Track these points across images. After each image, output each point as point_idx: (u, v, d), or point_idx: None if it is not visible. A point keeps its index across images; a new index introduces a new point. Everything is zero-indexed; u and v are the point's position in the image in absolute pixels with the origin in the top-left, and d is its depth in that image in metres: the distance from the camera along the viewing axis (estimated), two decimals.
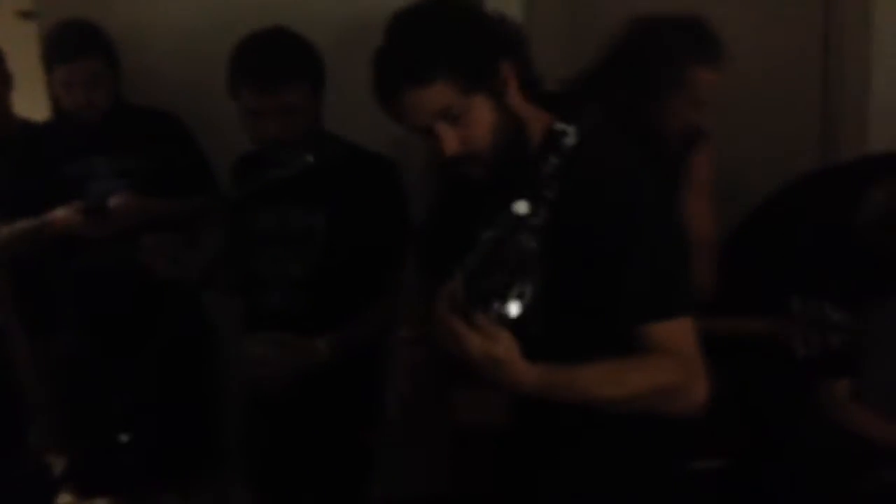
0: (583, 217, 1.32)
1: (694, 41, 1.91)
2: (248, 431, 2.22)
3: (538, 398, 1.29)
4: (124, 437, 1.69)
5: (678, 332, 1.34)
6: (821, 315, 1.90)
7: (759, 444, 2.10)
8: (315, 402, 2.01)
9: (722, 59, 1.92)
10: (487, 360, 1.20)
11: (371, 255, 2.00)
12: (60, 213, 2.28)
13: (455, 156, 1.36)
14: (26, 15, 2.78)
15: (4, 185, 2.47)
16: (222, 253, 2.17)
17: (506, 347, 1.19)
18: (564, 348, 1.27)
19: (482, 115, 1.35)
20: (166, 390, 2.36)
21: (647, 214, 1.35)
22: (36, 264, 2.39)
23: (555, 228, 1.20)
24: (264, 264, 2.05)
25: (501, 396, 1.42)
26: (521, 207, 1.16)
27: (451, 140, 1.35)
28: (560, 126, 1.39)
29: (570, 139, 1.37)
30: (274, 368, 1.93)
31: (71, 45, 2.30)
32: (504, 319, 1.16)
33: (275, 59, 1.89)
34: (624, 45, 1.98)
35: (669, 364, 1.32)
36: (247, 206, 2.06)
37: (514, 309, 1.14)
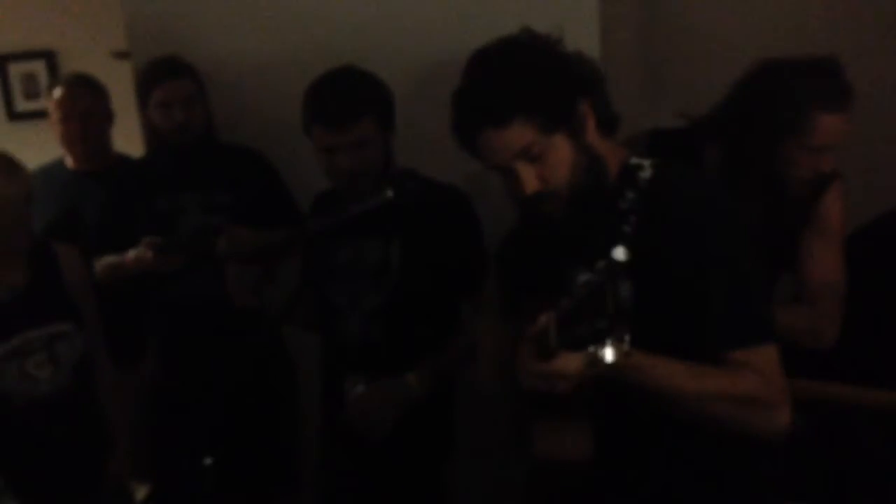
0: (662, 249, 1.32)
1: (818, 85, 1.81)
2: (324, 459, 2.24)
3: (621, 432, 1.27)
4: (208, 461, 1.74)
5: (763, 359, 1.33)
6: None
7: (851, 486, 2.03)
8: (392, 434, 2.01)
9: (849, 103, 1.82)
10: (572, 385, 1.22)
11: (446, 286, 2.02)
12: (132, 254, 2.35)
13: (534, 194, 1.37)
14: (122, 55, 2.90)
15: (99, 218, 2.58)
16: (299, 289, 2.22)
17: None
18: None
19: (562, 154, 1.36)
20: (247, 415, 2.44)
21: (725, 242, 1.35)
22: (123, 294, 2.46)
23: (635, 262, 1.20)
24: (340, 296, 2.08)
25: (584, 430, 1.43)
26: (620, 254, 1.15)
27: (530, 179, 1.35)
28: (635, 161, 1.40)
29: (646, 173, 1.38)
30: (374, 414, 1.96)
31: (165, 68, 2.41)
32: (597, 363, 1.14)
33: (343, 98, 1.92)
34: (748, 86, 1.90)
35: (752, 378, 1.31)
36: (323, 240, 2.10)
37: (609, 355, 1.12)
